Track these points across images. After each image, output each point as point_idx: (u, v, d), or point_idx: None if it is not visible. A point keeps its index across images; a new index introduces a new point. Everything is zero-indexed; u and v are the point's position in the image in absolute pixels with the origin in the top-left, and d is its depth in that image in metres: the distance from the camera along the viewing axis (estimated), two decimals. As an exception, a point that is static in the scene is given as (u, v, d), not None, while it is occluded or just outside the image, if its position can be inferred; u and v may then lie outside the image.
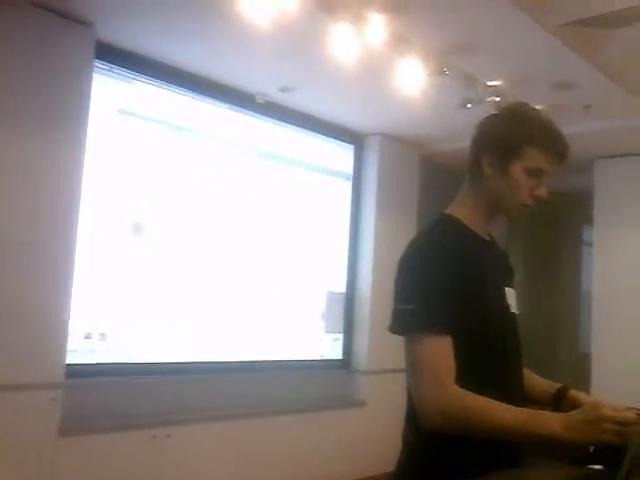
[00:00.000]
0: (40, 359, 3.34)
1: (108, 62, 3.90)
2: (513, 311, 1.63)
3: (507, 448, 1.50)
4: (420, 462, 1.52)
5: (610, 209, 5.55)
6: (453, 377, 1.40)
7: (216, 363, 4.47)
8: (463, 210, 1.62)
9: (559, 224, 7.46)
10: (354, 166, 5.55)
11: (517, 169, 1.55)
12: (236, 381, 4.47)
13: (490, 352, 1.51)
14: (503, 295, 1.61)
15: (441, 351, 1.42)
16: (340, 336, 5.39)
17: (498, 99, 4.06)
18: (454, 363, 1.42)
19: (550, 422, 1.34)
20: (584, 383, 5.48)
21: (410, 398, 1.48)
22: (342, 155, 5.48)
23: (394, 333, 1.49)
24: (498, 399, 1.39)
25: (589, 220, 5.99)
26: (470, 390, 1.39)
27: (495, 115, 1.66)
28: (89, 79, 3.63)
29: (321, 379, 5.12)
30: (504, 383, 1.52)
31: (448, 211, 1.64)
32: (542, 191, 1.58)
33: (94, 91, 3.67)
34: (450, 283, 1.44)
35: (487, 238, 1.66)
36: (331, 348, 5.32)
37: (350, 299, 5.44)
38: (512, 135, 1.56)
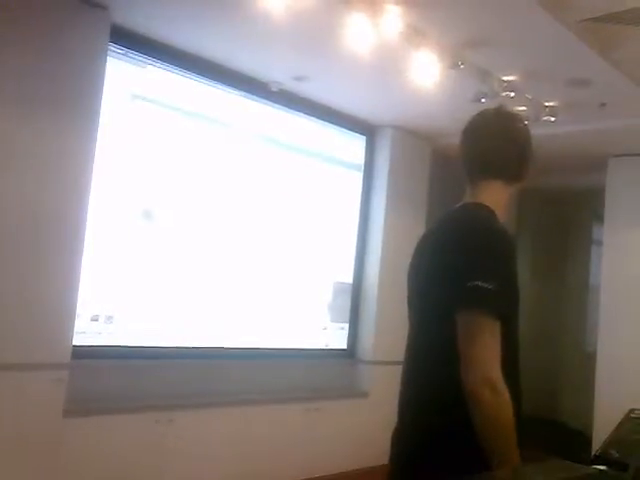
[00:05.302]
0: (47, 339, 3.37)
1: (123, 46, 3.90)
2: None
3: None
4: (444, 449, 1.56)
5: (622, 208, 5.51)
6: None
7: (221, 349, 4.49)
8: (497, 206, 1.70)
9: (568, 221, 7.43)
10: (365, 157, 5.54)
11: None
12: (240, 368, 4.48)
13: (514, 346, 1.61)
14: None
15: (497, 336, 1.49)
16: (346, 326, 5.40)
17: (512, 94, 4.04)
18: None
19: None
20: (588, 382, 5.47)
21: (437, 387, 1.57)
22: (354, 146, 5.47)
23: (464, 307, 1.51)
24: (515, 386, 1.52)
25: (599, 218, 5.96)
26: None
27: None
28: (103, 62, 3.63)
29: (325, 368, 5.13)
30: (517, 370, 1.62)
31: (484, 203, 1.70)
32: None
33: (108, 75, 3.67)
34: (514, 272, 1.59)
35: None
36: (336, 337, 5.33)
37: (357, 290, 5.44)
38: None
